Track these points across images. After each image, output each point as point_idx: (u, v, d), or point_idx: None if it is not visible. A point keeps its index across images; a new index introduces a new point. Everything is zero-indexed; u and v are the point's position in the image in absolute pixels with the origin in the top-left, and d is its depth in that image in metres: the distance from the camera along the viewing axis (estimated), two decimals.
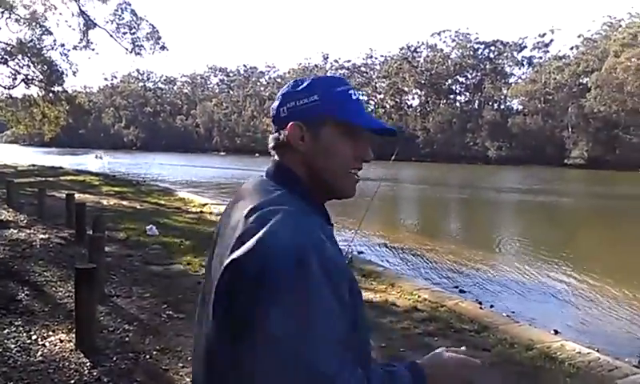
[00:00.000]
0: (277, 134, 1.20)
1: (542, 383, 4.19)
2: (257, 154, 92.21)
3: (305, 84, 1.20)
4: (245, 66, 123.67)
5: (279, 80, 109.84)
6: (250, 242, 0.99)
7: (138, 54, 31.04)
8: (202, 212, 15.12)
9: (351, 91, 1.21)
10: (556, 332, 6.51)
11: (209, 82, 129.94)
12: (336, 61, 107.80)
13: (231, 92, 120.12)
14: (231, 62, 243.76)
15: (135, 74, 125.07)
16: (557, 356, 4.70)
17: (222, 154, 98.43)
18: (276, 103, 1.22)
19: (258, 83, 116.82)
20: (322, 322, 0.94)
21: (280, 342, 0.91)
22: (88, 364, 4.24)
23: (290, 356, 0.91)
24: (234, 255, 1.00)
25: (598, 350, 5.51)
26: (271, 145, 1.22)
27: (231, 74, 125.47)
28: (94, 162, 51.47)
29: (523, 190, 32.76)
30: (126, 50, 30.86)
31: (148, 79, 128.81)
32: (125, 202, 16.60)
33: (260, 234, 0.99)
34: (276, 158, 1.21)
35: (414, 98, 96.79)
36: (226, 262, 1.00)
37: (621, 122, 66.32)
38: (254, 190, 1.16)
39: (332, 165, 1.17)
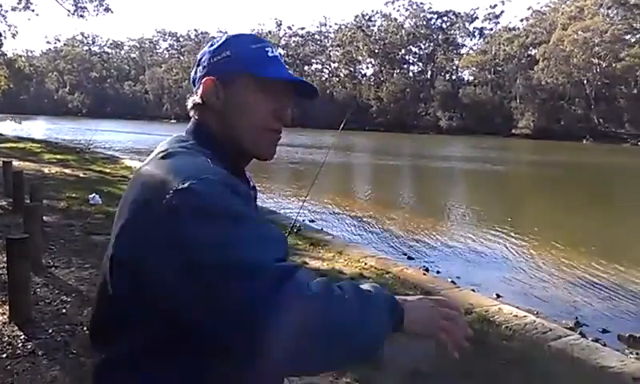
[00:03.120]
0: (194, 96, 1.20)
1: (479, 346, 4.31)
2: None
3: (219, 42, 1.20)
4: (196, 30, 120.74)
5: None
6: (153, 183, 1.00)
7: (81, 16, 29.73)
8: None
9: (268, 49, 1.19)
10: (498, 296, 6.74)
11: (158, 47, 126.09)
12: (289, 28, 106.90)
13: (182, 57, 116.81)
14: (181, 26, 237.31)
15: (80, 37, 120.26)
16: (494, 319, 4.85)
17: (173, 121, 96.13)
18: (194, 67, 1.22)
19: None
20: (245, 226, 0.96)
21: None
22: (22, 337, 4.10)
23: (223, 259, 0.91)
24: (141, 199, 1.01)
25: (537, 314, 5.74)
26: (189, 106, 1.22)
27: (181, 39, 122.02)
28: (10, 125, 48.78)
29: (471, 158, 33.51)
30: (68, 11, 29.47)
31: (93, 43, 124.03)
32: (67, 170, 16.02)
33: (163, 173, 1.00)
34: (195, 117, 1.21)
35: (367, 68, 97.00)
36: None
37: (566, 94, 68.50)
38: (162, 144, 1.17)
39: (245, 121, 1.15)
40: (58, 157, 20.23)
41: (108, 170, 16.95)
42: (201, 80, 1.18)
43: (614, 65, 64.35)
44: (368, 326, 1.00)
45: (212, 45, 1.21)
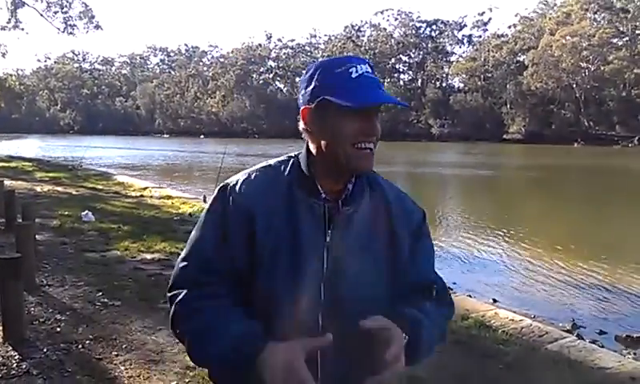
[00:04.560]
0: (301, 121, 1.36)
1: (476, 351, 4.31)
2: (202, 136, 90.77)
3: (309, 70, 1.33)
4: (186, 45, 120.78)
5: (222, 60, 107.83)
6: None
7: (71, 33, 29.83)
8: (142, 196, 14.73)
9: (352, 69, 1.28)
10: (494, 301, 6.74)
11: (148, 63, 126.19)
12: (279, 40, 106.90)
13: (173, 72, 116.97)
14: (171, 41, 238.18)
15: (70, 54, 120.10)
16: (491, 324, 4.86)
17: (166, 136, 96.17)
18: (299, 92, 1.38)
19: (201, 63, 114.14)
20: (195, 236, 1.33)
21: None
22: (16, 357, 4.06)
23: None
24: None
25: (534, 317, 5.74)
26: (300, 128, 1.37)
27: (172, 54, 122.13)
28: None
29: (463, 164, 33.65)
30: (58, 29, 29.54)
31: (84, 60, 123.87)
32: (59, 188, 15.96)
33: None
34: (303, 138, 1.38)
35: None
36: None
37: (556, 98, 68.96)
38: None
39: (336, 142, 1.28)
40: (50, 175, 20.15)
41: (101, 187, 16.90)
42: (300, 108, 1.34)
43: (602, 68, 64.92)
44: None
45: (305, 74, 1.34)
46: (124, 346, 4.32)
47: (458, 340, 4.50)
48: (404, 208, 1.42)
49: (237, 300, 1.28)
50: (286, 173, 1.34)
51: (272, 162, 1.39)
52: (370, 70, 1.30)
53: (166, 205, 12.87)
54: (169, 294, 1.31)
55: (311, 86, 1.30)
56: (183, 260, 1.32)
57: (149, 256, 7.44)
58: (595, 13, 69.13)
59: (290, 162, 1.36)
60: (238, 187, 1.32)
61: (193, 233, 1.34)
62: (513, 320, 4.93)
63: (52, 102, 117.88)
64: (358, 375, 1.22)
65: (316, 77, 1.30)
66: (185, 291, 1.28)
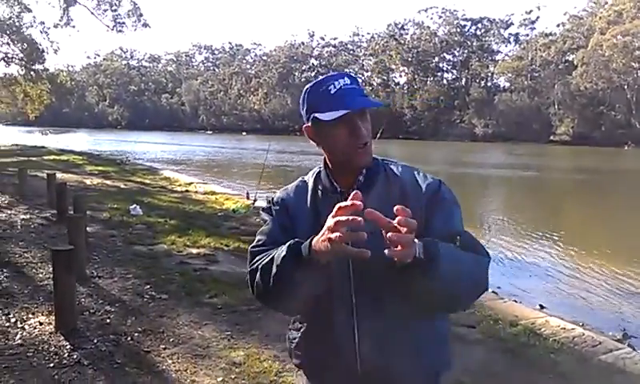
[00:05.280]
0: None
1: (525, 359, 4.19)
2: (244, 133, 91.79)
3: (302, 95, 1.59)
4: (230, 43, 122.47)
5: (265, 58, 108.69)
6: None
7: (120, 31, 30.52)
8: (187, 191, 14.99)
9: (330, 86, 1.51)
10: (542, 307, 6.54)
11: (194, 60, 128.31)
12: (322, 38, 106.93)
13: (217, 70, 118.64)
14: (216, 39, 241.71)
15: (118, 51, 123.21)
16: (541, 332, 4.71)
17: (209, 132, 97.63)
18: None
19: (244, 61, 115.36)
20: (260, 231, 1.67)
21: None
22: (68, 347, 4.16)
23: None
24: None
25: (582, 325, 5.53)
26: None
27: (216, 52, 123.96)
28: (41, 138, 51.54)
29: (508, 166, 32.90)
30: (108, 27, 30.32)
31: (132, 57, 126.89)
32: (108, 182, 16.40)
33: None
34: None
35: (401, 76, 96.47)
36: None
37: (606, 100, 66.67)
38: None
39: (334, 148, 1.56)
40: (100, 168, 20.76)
41: (148, 181, 17.29)
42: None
43: None
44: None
45: (301, 95, 1.59)
46: (171, 340, 4.39)
47: (507, 348, 4.38)
48: (418, 181, 1.59)
49: None
50: (313, 178, 1.65)
51: (306, 176, 1.70)
52: (348, 81, 1.52)
53: (210, 200, 13.05)
54: (248, 269, 1.60)
55: (305, 108, 1.57)
56: (251, 246, 1.64)
57: (194, 251, 7.55)
58: None
59: (318, 170, 1.66)
60: (277, 196, 1.69)
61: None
62: (564, 328, 4.76)
63: (101, 98, 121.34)
64: (395, 336, 1.49)
65: (306, 99, 1.56)
66: (254, 260, 1.59)
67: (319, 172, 1.65)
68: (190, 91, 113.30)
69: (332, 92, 1.50)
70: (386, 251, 1.25)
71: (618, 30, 63.46)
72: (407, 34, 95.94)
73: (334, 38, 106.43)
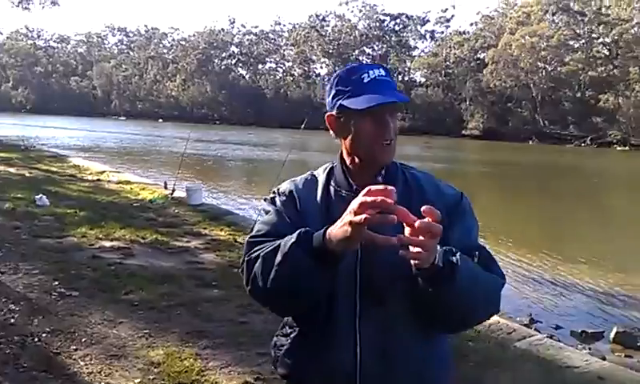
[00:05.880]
0: None
1: None
2: (160, 120, 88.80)
3: (331, 79, 1.50)
4: (146, 26, 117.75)
5: (183, 43, 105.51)
6: None
7: (26, 8, 28.41)
8: (99, 180, 14.27)
9: (364, 75, 1.43)
10: None
11: (106, 42, 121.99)
12: (243, 26, 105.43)
13: (131, 53, 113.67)
14: (131, 21, 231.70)
15: (24, 30, 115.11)
16: None
17: (122, 118, 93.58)
18: None
19: (161, 45, 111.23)
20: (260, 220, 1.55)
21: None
22: None
23: None
24: None
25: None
26: None
27: (131, 35, 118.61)
28: None
29: (426, 158, 34.04)
30: (12, 3, 28.14)
31: (39, 37, 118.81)
32: (12, 170, 15.30)
33: None
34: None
35: (322, 67, 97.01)
36: None
37: (514, 97, 70.48)
38: None
39: (357, 142, 1.46)
40: (1, 155, 19.29)
41: (55, 169, 16.28)
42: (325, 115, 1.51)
43: (559, 69, 66.65)
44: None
45: (330, 81, 1.50)
46: (83, 340, 4.12)
47: None
48: (439, 191, 1.52)
49: None
50: (325, 174, 1.55)
51: (315, 171, 1.61)
52: (383, 73, 1.45)
53: (125, 190, 12.49)
54: (245, 259, 1.48)
55: (332, 94, 1.48)
56: (250, 236, 1.53)
57: (108, 244, 7.18)
58: (554, 14, 70.81)
59: (331, 165, 1.57)
60: (284, 187, 1.57)
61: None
62: None
63: (3, 79, 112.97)
64: (399, 349, 1.41)
65: (335, 84, 1.48)
66: (252, 250, 1.47)
67: (332, 168, 1.56)
68: (101, 74, 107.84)
69: (365, 81, 1.42)
70: (402, 252, 1.21)
71: (526, 30, 67.17)
72: (328, 25, 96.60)
73: (255, 26, 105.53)
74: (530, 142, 61.87)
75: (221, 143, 35.20)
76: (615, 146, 56.22)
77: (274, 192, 1.59)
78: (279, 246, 1.37)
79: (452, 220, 1.45)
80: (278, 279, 1.36)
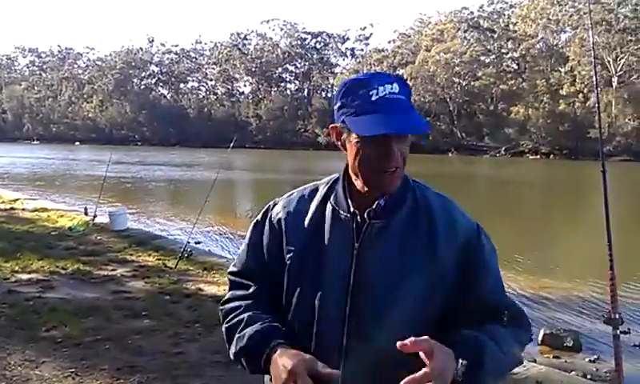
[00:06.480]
0: None
1: None
2: (77, 143, 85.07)
3: (339, 88, 1.34)
4: (59, 46, 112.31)
5: (100, 63, 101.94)
6: None
7: None
8: (12, 208, 13.41)
9: (372, 91, 1.24)
10: None
11: (16, 64, 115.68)
12: (162, 44, 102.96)
13: (44, 74, 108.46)
14: (43, 42, 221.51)
15: None
16: None
17: (36, 142, 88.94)
18: None
19: (76, 66, 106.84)
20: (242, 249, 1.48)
21: None
22: None
23: None
24: None
25: None
26: None
27: (43, 55, 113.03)
28: None
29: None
30: None
31: None
32: None
33: None
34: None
35: (245, 85, 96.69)
36: None
37: (432, 111, 73.23)
38: None
39: (358, 164, 1.29)
40: None
41: None
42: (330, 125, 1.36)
43: (472, 83, 70.05)
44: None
45: (338, 88, 1.34)
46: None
47: None
48: (450, 221, 1.34)
49: (270, 303, 1.37)
50: (326, 189, 1.41)
51: (320, 182, 1.47)
52: (397, 89, 1.26)
53: (42, 218, 11.79)
54: (222, 313, 1.44)
55: (338, 105, 1.32)
56: (230, 269, 1.49)
57: (25, 277, 6.70)
58: (465, 32, 74.51)
59: (334, 179, 1.43)
60: (279, 204, 1.45)
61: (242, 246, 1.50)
62: None
63: None
64: None
65: (340, 95, 1.32)
66: (229, 294, 1.45)
67: (336, 180, 1.41)
68: (12, 97, 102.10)
69: (372, 98, 1.24)
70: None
71: (440, 47, 70.24)
72: (250, 44, 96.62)
73: (176, 45, 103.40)
74: (450, 154, 64.38)
75: (141, 165, 34.07)
76: (527, 154, 59.60)
77: (264, 213, 1.47)
78: (243, 321, 1.34)
79: (472, 262, 1.30)
80: (236, 356, 1.35)
